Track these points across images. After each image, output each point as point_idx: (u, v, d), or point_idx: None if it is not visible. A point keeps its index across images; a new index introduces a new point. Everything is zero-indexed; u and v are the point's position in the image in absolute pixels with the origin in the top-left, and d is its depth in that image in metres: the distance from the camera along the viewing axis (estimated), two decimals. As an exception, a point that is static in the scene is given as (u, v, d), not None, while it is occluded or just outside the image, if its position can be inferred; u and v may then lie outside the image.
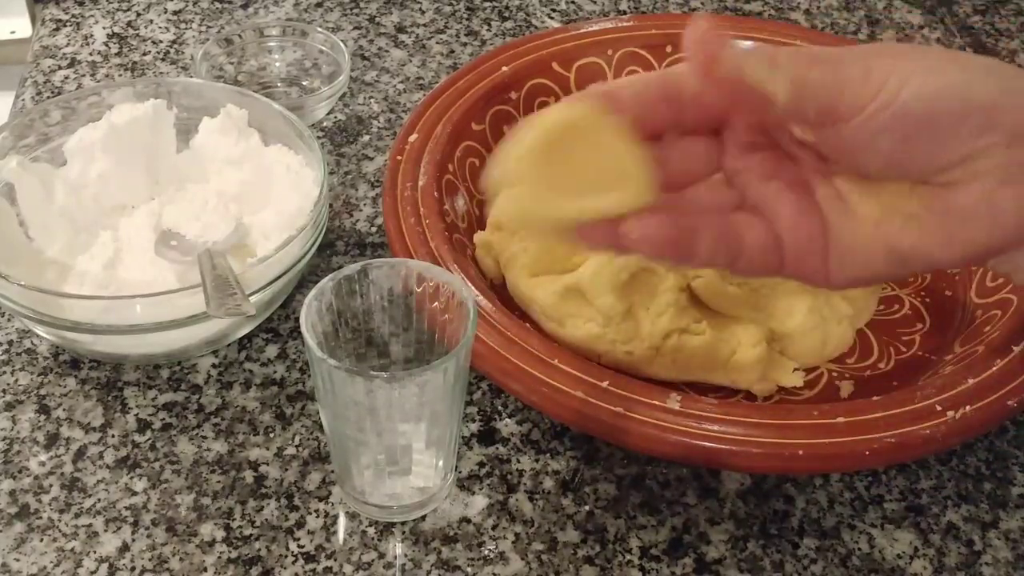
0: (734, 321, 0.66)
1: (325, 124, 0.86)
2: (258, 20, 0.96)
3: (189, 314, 0.61)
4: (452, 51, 0.94)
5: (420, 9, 0.99)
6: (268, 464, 0.62)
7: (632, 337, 0.64)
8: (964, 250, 0.44)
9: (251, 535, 0.58)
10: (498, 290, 0.69)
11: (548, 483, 0.62)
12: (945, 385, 0.60)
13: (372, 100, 0.88)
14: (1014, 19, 1.03)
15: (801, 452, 0.54)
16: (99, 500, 0.60)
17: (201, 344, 0.66)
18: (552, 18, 0.98)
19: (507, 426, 0.65)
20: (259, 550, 0.58)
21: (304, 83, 0.89)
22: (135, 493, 0.60)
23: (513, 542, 0.59)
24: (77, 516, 0.59)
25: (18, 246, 0.68)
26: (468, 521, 0.60)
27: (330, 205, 0.77)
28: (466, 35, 0.96)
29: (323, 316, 0.55)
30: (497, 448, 0.63)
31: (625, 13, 1.00)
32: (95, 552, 0.57)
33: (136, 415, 0.64)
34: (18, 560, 0.57)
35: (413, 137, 0.75)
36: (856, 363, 0.67)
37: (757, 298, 0.67)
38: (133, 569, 0.57)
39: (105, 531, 0.58)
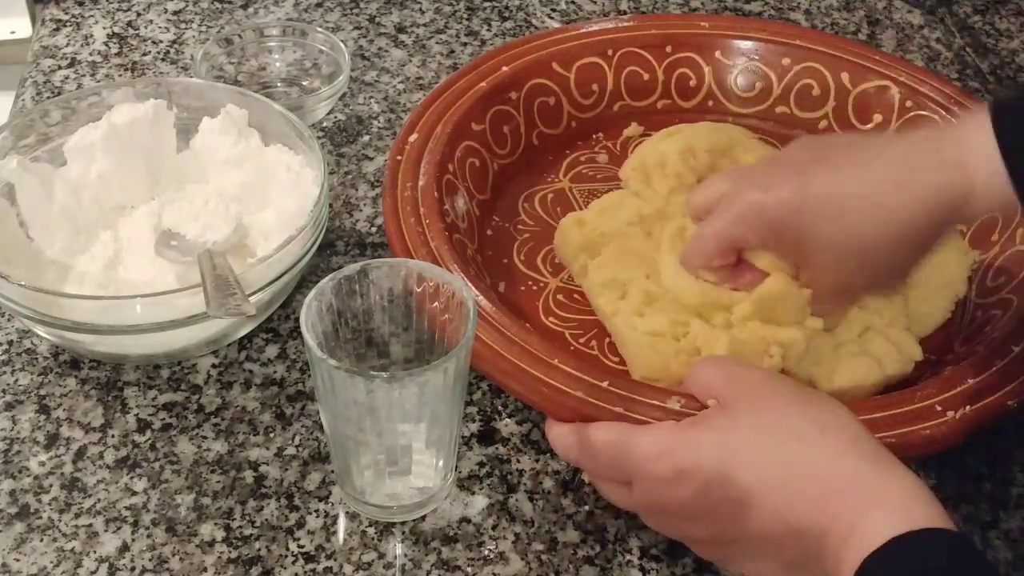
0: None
1: (325, 124, 0.86)
2: (258, 20, 0.96)
3: (189, 314, 0.61)
4: (452, 51, 0.94)
5: (420, 9, 0.99)
6: (268, 464, 0.62)
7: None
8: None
9: (251, 535, 0.58)
10: (498, 290, 0.69)
11: (548, 483, 0.62)
12: (945, 385, 0.60)
13: (372, 100, 0.88)
14: (1014, 19, 1.03)
15: (801, 452, 0.54)
16: (99, 500, 0.60)
17: (201, 344, 0.66)
18: (552, 18, 0.98)
19: (507, 426, 0.64)
20: (259, 550, 0.58)
21: (304, 83, 0.89)
22: (135, 493, 0.60)
23: (513, 542, 0.59)
24: (77, 516, 0.59)
25: (18, 246, 0.67)
26: (468, 521, 0.60)
27: (330, 205, 0.77)
28: (466, 35, 0.96)
29: (323, 316, 0.55)
30: (497, 448, 0.63)
31: (625, 13, 1.00)
32: (95, 552, 0.57)
33: (136, 415, 0.64)
34: (18, 560, 0.57)
35: (413, 137, 0.75)
36: (856, 363, 0.67)
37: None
38: (133, 569, 0.57)
39: (105, 531, 0.58)
